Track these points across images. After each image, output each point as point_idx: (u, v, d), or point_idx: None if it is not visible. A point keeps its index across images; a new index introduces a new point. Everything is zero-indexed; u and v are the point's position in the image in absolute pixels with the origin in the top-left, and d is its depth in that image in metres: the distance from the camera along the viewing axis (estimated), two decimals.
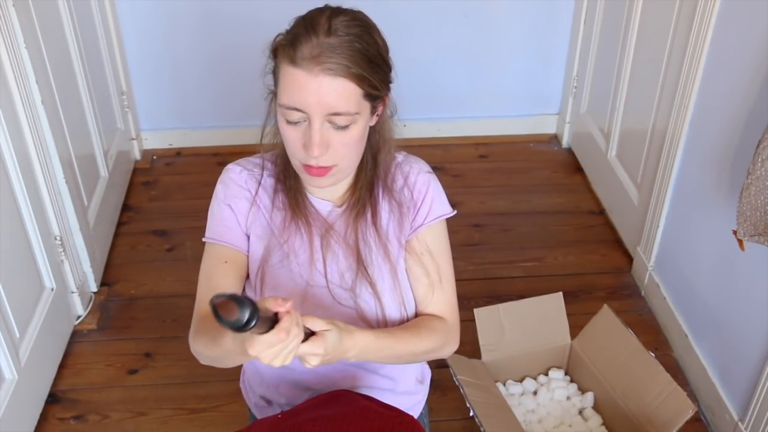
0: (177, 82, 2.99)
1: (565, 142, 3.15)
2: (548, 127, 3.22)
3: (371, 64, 1.06)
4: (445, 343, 1.22)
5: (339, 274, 1.19)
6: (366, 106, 1.08)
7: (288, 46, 1.03)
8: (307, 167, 1.09)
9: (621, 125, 2.60)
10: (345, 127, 1.06)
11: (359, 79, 1.04)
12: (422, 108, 3.08)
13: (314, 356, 0.97)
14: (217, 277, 1.17)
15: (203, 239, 1.21)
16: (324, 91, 1.02)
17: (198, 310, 1.17)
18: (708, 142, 1.98)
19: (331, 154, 1.07)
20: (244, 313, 0.81)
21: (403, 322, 1.24)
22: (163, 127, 3.08)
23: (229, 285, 1.17)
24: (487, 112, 3.16)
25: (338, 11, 1.06)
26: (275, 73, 1.08)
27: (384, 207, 1.20)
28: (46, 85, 2.06)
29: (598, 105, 2.81)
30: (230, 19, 2.82)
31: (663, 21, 2.21)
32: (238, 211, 1.19)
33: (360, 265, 1.18)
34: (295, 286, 1.19)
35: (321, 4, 1.11)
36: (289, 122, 1.06)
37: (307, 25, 1.04)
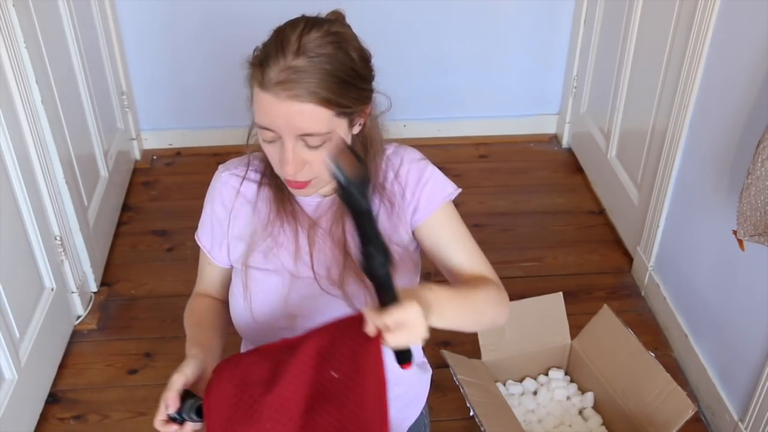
0: (177, 82, 2.99)
1: (565, 142, 3.15)
2: (548, 127, 3.22)
3: (342, 85, 1.03)
4: (504, 297, 1.16)
5: (325, 268, 1.19)
6: (340, 122, 1.06)
7: (257, 67, 1.03)
8: (287, 180, 1.11)
9: (621, 125, 2.60)
10: (317, 147, 1.06)
11: (328, 102, 1.02)
12: (422, 108, 3.08)
13: (416, 320, 0.90)
14: (206, 274, 1.30)
15: (195, 236, 1.29)
16: (292, 116, 1.01)
17: (195, 289, 1.32)
18: (708, 142, 1.98)
19: (308, 169, 1.08)
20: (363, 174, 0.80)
21: None
22: (162, 127, 3.08)
23: (216, 282, 1.30)
24: (487, 112, 3.16)
25: (312, 25, 1.04)
26: (249, 88, 1.08)
27: (375, 202, 1.20)
28: (46, 85, 2.06)
29: (598, 105, 2.81)
30: (230, 18, 2.82)
31: (663, 21, 2.21)
32: (216, 219, 1.23)
33: (347, 258, 1.18)
34: (281, 278, 1.20)
35: (318, 7, 1.10)
36: (265, 140, 1.08)
37: (277, 44, 1.02)
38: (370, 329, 0.91)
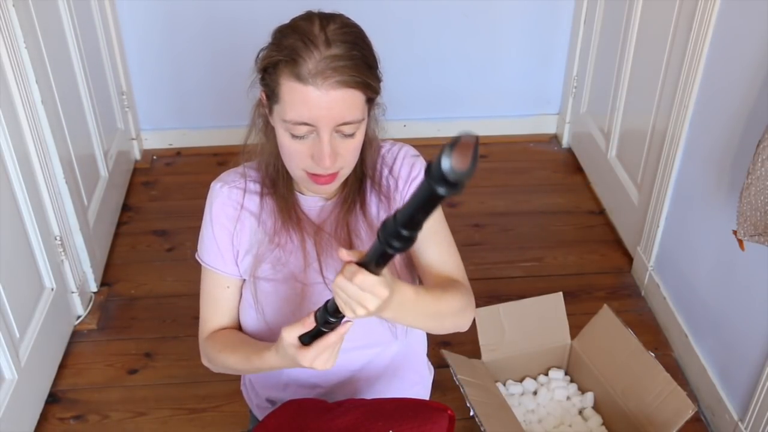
0: (177, 82, 2.99)
1: (565, 142, 3.15)
2: (548, 127, 3.22)
3: (370, 70, 1.06)
4: (468, 304, 1.16)
5: (335, 272, 1.20)
6: (366, 110, 1.09)
7: (289, 62, 1.02)
8: (314, 176, 1.10)
9: (621, 125, 2.60)
10: (352, 135, 1.07)
11: (364, 86, 1.04)
12: (422, 108, 3.08)
13: (373, 299, 0.89)
14: (223, 300, 1.24)
15: (197, 257, 1.24)
16: (334, 104, 1.02)
17: (204, 330, 1.25)
18: (708, 142, 1.98)
19: (339, 161, 1.09)
20: (470, 170, 0.70)
21: None
22: (163, 127, 3.08)
23: (235, 306, 1.25)
24: (487, 112, 3.16)
25: (326, 19, 1.06)
26: (272, 88, 1.07)
27: (372, 200, 1.21)
28: (46, 85, 2.06)
29: (598, 105, 2.81)
30: (230, 19, 2.82)
31: (663, 21, 2.21)
32: (224, 234, 1.20)
33: None
34: (292, 289, 1.20)
35: (317, 6, 1.11)
36: (294, 136, 1.06)
37: (303, 38, 1.02)
38: (343, 255, 0.89)
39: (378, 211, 1.21)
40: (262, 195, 1.20)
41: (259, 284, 1.20)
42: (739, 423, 1.85)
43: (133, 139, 2.99)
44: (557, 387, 1.97)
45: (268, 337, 1.23)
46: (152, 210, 2.79)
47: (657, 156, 2.25)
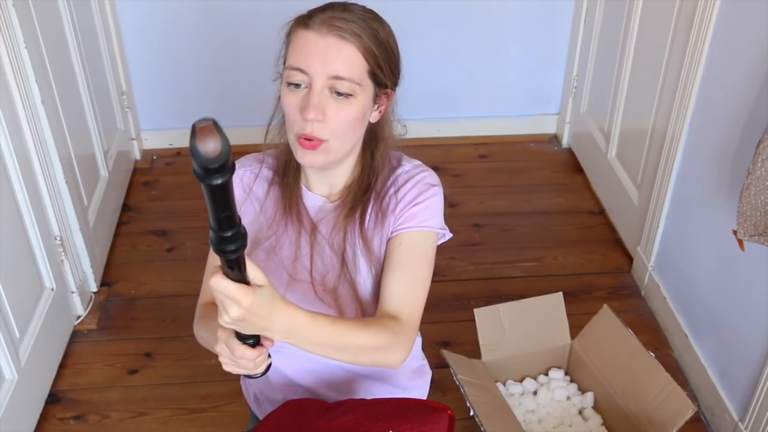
0: (177, 82, 2.99)
1: (565, 142, 3.15)
2: (548, 127, 3.22)
3: (381, 47, 1.09)
4: (395, 344, 1.08)
5: (322, 274, 1.19)
6: (369, 85, 1.09)
7: (304, 16, 1.09)
8: (302, 141, 1.08)
9: (621, 125, 2.60)
10: (345, 97, 1.07)
11: (366, 51, 1.07)
12: (422, 108, 3.07)
13: (234, 305, 0.86)
14: None
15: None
16: (330, 53, 1.05)
17: (200, 299, 1.26)
18: (708, 142, 1.98)
19: (326, 124, 1.07)
20: (223, 148, 0.66)
21: None
22: (163, 127, 3.08)
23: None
24: (487, 112, 3.16)
25: (356, 3, 1.11)
26: (286, 46, 1.11)
27: (371, 215, 1.19)
28: (46, 85, 2.06)
29: (598, 105, 2.81)
30: (230, 18, 2.82)
31: (663, 21, 2.21)
32: None
33: (343, 266, 1.18)
34: (278, 279, 1.20)
35: (322, 3, 1.12)
36: (290, 85, 1.08)
37: (325, 6, 1.09)
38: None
39: (374, 227, 1.18)
40: (271, 183, 1.22)
41: None
42: (739, 423, 1.85)
43: (133, 139, 2.99)
44: (557, 387, 1.97)
45: None
46: (152, 210, 2.79)
47: (657, 156, 2.25)
